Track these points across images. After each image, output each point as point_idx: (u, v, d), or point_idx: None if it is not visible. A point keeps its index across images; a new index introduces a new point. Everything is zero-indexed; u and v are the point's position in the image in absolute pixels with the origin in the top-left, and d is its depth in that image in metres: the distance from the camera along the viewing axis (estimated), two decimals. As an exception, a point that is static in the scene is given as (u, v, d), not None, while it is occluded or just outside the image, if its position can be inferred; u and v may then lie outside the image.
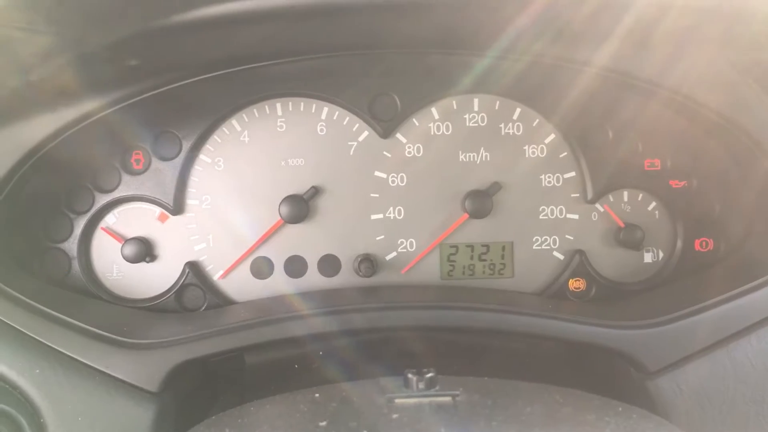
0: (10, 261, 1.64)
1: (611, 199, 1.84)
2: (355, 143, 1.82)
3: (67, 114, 1.52)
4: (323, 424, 1.00)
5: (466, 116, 1.83)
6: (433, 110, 1.82)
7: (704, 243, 1.83)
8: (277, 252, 1.83)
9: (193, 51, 1.47)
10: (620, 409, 1.14)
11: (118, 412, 1.42)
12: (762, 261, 1.62)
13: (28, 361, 1.43)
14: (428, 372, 1.13)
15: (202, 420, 1.27)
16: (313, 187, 1.79)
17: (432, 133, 1.83)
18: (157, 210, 1.80)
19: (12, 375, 1.41)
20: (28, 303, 1.51)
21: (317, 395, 1.16)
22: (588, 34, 1.47)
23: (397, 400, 1.08)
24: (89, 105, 1.54)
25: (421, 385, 1.11)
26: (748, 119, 1.58)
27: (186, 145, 1.77)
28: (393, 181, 1.83)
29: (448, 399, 1.09)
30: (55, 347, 1.46)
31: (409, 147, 1.83)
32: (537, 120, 1.82)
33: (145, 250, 1.77)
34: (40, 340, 1.46)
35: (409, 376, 1.13)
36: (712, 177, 1.79)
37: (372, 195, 1.83)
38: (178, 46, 1.35)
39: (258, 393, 1.31)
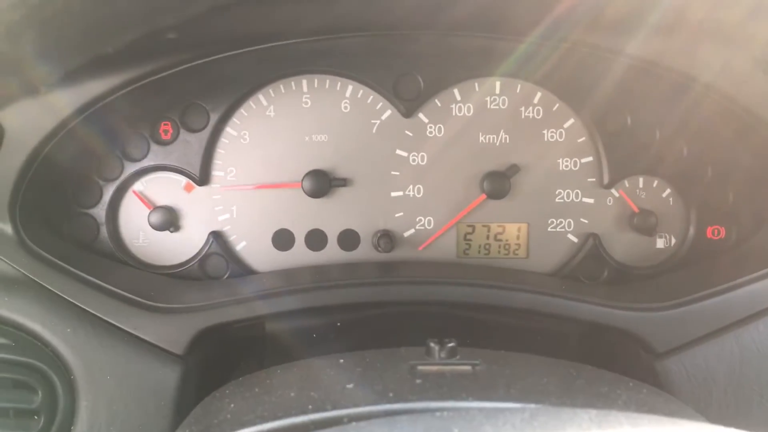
0: (43, 224, 1.68)
1: (626, 185, 1.87)
2: (378, 121, 1.85)
3: (104, 84, 1.56)
4: (350, 386, 1.05)
5: (488, 99, 1.86)
6: (456, 91, 1.85)
7: (716, 231, 1.86)
8: (299, 225, 1.87)
9: (229, 27, 1.50)
10: (630, 384, 1.19)
11: (145, 372, 1.47)
12: (772, 250, 1.65)
13: (60, 320, 1.48)
14: (450, 342, 1.17)
15: (223, 383, 1.32)
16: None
17: (453, 114, 1.86)
18: (184, 180, 1.84)
19: (45, 334, 1.46)
20: (60, 265, 1.56)
21: (342, 361, 1.21)
22: (619, 22, 1.48)
23: (419, 367, 1.13)
24: (123, 76, 1.58)
25: (443, 354, 1.15)
26: None
27: (213, 118, 1.80)
28: (414, 160, 1.86)
29: (468, 368, 1.13)
30: (86, 308, 1.51)
31: (431, 127, 1.86)
32: (557, 105, 1.85)
33: (170, 220, 1.81)
34: (72, 301, 1.51)
35: (432, 345, 1.17)
36: (728, 167, 1.81)
37: (393, 173, 1.86)
38: (217, 21, 1.38)
39: (277, 360, 1.35)
